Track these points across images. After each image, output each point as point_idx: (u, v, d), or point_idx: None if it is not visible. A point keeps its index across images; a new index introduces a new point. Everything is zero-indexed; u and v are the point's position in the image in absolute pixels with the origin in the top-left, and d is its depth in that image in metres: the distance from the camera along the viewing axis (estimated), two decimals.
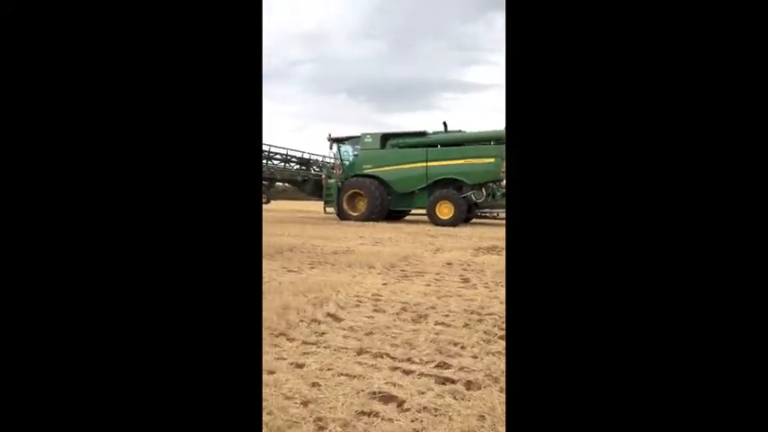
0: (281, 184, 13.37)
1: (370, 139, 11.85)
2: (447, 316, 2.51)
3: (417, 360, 1.84)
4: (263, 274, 3.69)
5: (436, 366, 1.79)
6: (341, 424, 1.33)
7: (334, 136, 12.38)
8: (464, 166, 10.68)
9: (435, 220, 10.58)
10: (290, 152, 13.15)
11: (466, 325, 2.34)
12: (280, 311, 2.47)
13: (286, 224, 9.96)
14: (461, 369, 1.75)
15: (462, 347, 1.99)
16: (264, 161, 11.92)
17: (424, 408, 1.44)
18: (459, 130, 11.58)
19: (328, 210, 12.41)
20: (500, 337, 2.13)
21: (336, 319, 2.44)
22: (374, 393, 1.53)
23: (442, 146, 11.24)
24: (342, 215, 11.76)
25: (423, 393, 1.54)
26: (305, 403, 1.46)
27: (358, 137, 12.15)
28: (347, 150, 12.58)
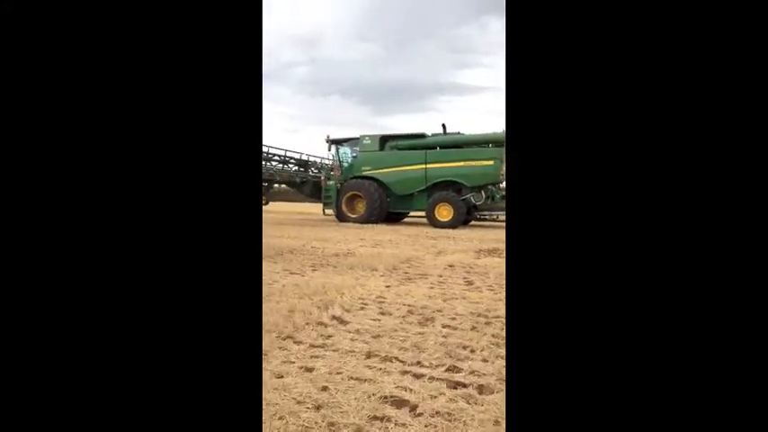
0: (278, 185, 13.32)
1: (368, 141, 11.83)
2: (454, 319, 2.50)
3: (427, 364, 1.83)
4: (266, 277, 3.67)
5: (447, 370, 1.77)
6: (354, 429, 1.31)
7: (332, 138, 12.36)
8: (463, 168, 10.68)
9: (434, 223, 10.57)
10: (288, 153, 13.12)
11: (473, 328, 2.32)
12: (285, 314, 2.45)
13: (285, 226, 9.94)
14: (472, 373, 1.74)
15: (472, 351, 1.98)
16: (263, 162, 11.88)
17: (438, 412, 1.42)
18: (458, 132, 11.58)
19: (327, 212, 12.38)
20: None
21: (342, 321, 2.42)
22: (385, 397, 1.51)
23: (440, 148, 11.25)
24: (341, 217, 11.73)
25: (435, 398, 1.52)
26: (316, 408, 1.44)
27: (356, 138, 12.14)
28: (346, 152, 12.56)
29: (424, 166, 11.06)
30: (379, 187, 11.33)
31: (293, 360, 1.84)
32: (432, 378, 1.68)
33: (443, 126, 11.64)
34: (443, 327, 2.34)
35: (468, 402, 1.49)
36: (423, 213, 11.32)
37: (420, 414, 1.41)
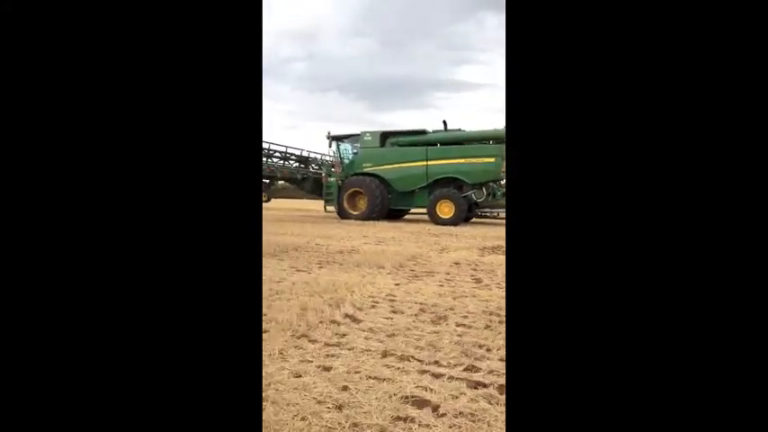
0: (280, 182, 13.28)
1: (369, 138, 11.80)
2: (466, 317, 2.49)
3: (445, 363, 1.82)
4: (273, 274, 3.66)
5: (465, 369, 1.76)
6: (378, 430, 1.31)
7: (333, 134, 12.33)
8: (464, 165, 10.67)
9: (436, 220, 10.56)
10: (289, 150, 13.08)
11: (487, 327, 2.31)
12: (298, 312, 2.44)
13: (287, 223, 9.92)
14: (491, 372, 1.73)
15: (488, 350, 1.97)
16: (264, 159, 11.83)
17: (461, 413, 1.41)
18: (459, 129, 11.56)
19: (329, 208, 12.36)
20: None
21: (355, 320, 2.41)
22: (406, 397, 1.51)
23: (441, 144, 11.22)
24: (342, 214, 11.71)
25: (456, 398, 1.51)
26: (338, 407, 1.43)
27: (357, 135, 12.10)
28: (346, 149, 12.52)
29: (425, 162, 11.04)
30: (381, 184, 11.31)
31: (310, 359, 1.83)
32: (451, 378, 1.67)
33: (444, 123, 11.62)
34: (457, 325, 2.33)
35: (489, 403, 1.48)
36: (422, 210, 11.31)
37: (443, 414, 1.40)
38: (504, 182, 11.11)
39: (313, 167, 13.92)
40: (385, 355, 1.90)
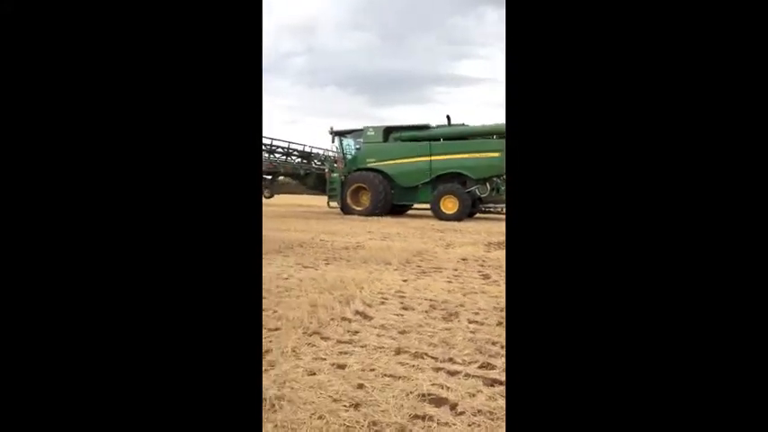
0: (282, 177, 13.25)
1: (372, 133, 11.75)
2: (477, 314, 2.47)
3: (460, 360, 1.80)
4: (280, 270, 3.65)
5: (480, 367, 1.75)
6: (397, 429, 1.29)
7: (336, 129, 12.28)
8: (468, 160, 10.63)
9: (440, 215, 10.54)
10: (291, 145, 13.04)
11: (500, 323, 2.30)
12: (308, 309, 2.43)
13: (291, 219, 9.91)
14: None
15: (502, 347, 1.95)
16: (267, 155, 11.80)
17: (479, 411, 1.40)
18: (463, 124, 11.51)
19: (332, 204, 12.34)
20: None
21: (366, 317, 2.40)
22: (423, 396, 1.49)
23: (445, 139, 11.18)
24: (345, 209, 11.69)
25: (473, 396, 1.50)
26: (355, 406, 1.42)
27: (360, 130, 12.05)
28: (349, 144, 12.48)
29: (428, 157, 11.00)
30: (384, 179, 11.28)
31: (323, 357, 1.82)
32: (467, 375, 1.66)
33: (448, 117, 11.58)
34: (469, 322, 2.31)
35: None
36: (424, 205, 11.28)
37: (461, 413, 1.39)
38: None
39: (316, 163, 13.89)
40: (398, 352, 1.89)
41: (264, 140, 11.41)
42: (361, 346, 1.94)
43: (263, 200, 11.98)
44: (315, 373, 1.65)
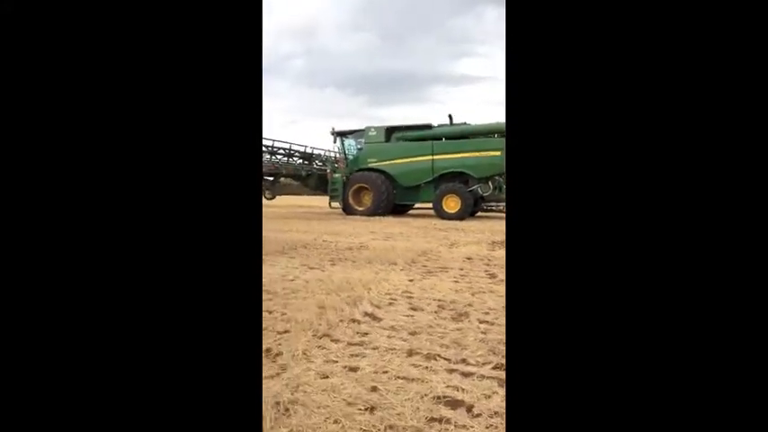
0: (284, 179, 13.22)
1: (374, 133, 11.73)
2: (487, 314, 2.45)
3: (473, 362, 1.78)
4: (285, 272, 3.63)
5: (494, 368, 1.73)
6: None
7: (337, 129, 12.26)
8: (470, 159, 10.60)
9: (442, 214, 10.52)
10: (293, 147, 13.03)
11: None
12: (317, 311, 2.41)
13: (293, 220, 9.90)
14: None
15: None
16: (269, 156, 11.78)
17: (496, 413, 1.38)
18: (464, 123, 11.48)
19: (334, 204, 12.32)
20: None
21: (375, 318, 2.38)
22: (438, 398, 1.47)
23: (447, 139, 11.15)
24: (347, 210, 11.67)
25: (489, 397, 1.48)
26: (370, 409, 1.40)
27: (362, 130, 12.03)
28: (351, 144, 12.46)
29: (430, 157, 10.98)
30: (386, 179, 11.25)
31: (335, 359, 1.80)
32: (481, 376, 1.64)
33: (450, 117, 11.54)
34: (480, 322, 2.29)
35: None
36: (426, 205, 11.25)
37: (478, 415, 1.37)
38: None
39: (317, 164, 13.87)
40: (410, 353, 1.87)
41: (266, 142, 11.38)
42: (373, 348, 1.92)
43: (265, 201, 11.96)
44: (327, 377, 1.63)
